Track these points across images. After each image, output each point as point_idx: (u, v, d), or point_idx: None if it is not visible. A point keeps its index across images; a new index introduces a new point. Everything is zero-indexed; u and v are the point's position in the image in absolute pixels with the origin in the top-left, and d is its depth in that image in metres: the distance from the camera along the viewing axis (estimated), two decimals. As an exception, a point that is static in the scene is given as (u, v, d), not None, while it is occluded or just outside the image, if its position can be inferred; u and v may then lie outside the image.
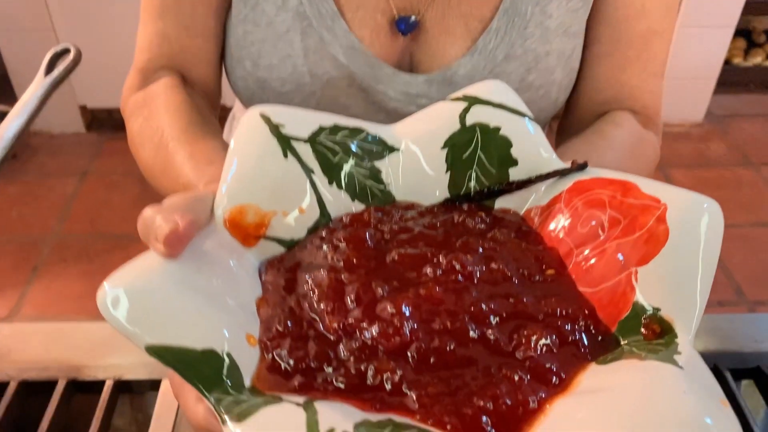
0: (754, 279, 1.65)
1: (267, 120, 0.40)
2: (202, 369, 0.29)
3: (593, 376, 0.31)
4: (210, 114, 0.57)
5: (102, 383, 0.53)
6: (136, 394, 0.56)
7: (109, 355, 0.55)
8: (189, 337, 0.29)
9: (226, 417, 0.27)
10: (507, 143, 0.44)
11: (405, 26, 0.54)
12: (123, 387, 0.54)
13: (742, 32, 2.33)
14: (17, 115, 0.52)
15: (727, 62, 2.23)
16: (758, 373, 0.57)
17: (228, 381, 0.29)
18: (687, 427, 0.25)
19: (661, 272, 0.33)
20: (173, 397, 0.37)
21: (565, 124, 0.64)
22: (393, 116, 0.56)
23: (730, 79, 2.24)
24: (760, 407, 0.58)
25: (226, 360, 0.30)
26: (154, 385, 0.55)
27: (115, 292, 0.29)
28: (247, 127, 0.40)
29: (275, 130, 0.40)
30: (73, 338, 0.57)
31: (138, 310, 0.29)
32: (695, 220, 0.33)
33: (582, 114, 0.61)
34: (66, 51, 0.57)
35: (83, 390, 0.54)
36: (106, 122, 2.11)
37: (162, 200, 0.35)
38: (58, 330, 0.58)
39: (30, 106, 0.53)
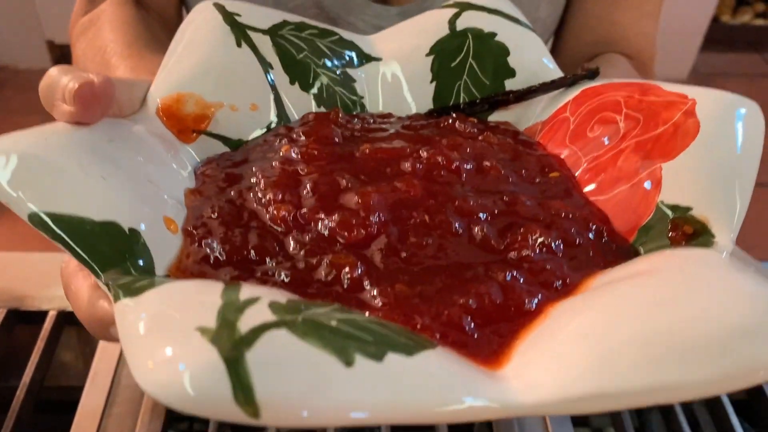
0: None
1: (221, 8, 0.35)
2: (97, 243, 0.23)
3: (608, 276, 0.25)
4: (165, 37, 0.53)
5: (45, 314, 0.51)
6: (83, 327, 0.53)
7: (54, 285, 0.52)
8: (86, 205, 0.23)
9: (119, 290, 0.20)
10: (503, 51, 0.38)
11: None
12: (68, 319, 0.52)
13: (732, -11, 2.29)
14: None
15: (716, 19, 2.20)
16: None
17: (131, 262, 0.23)
18: (749, 299, 0.19)
19: (691, 168, 0.27)
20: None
21: None
22: None
23: (717, 37, 2.20)
24: None
25: (133, 238, 0.24)
26: (102, 317, 0.52)
27: (1, 157, 0.23)
28: (196, 15, 0.35)
29: (229, 18, 0.35)
30: (17, 268, 0.54)
31: (26, 174, 0.23)
32: (731, 114, 0.27)
33: (568, 58, 0.57)
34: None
35: (25, 321, 0.51)
36: (75, 59, 2.02)
37: None
38: (2, 260, 0.55)
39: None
